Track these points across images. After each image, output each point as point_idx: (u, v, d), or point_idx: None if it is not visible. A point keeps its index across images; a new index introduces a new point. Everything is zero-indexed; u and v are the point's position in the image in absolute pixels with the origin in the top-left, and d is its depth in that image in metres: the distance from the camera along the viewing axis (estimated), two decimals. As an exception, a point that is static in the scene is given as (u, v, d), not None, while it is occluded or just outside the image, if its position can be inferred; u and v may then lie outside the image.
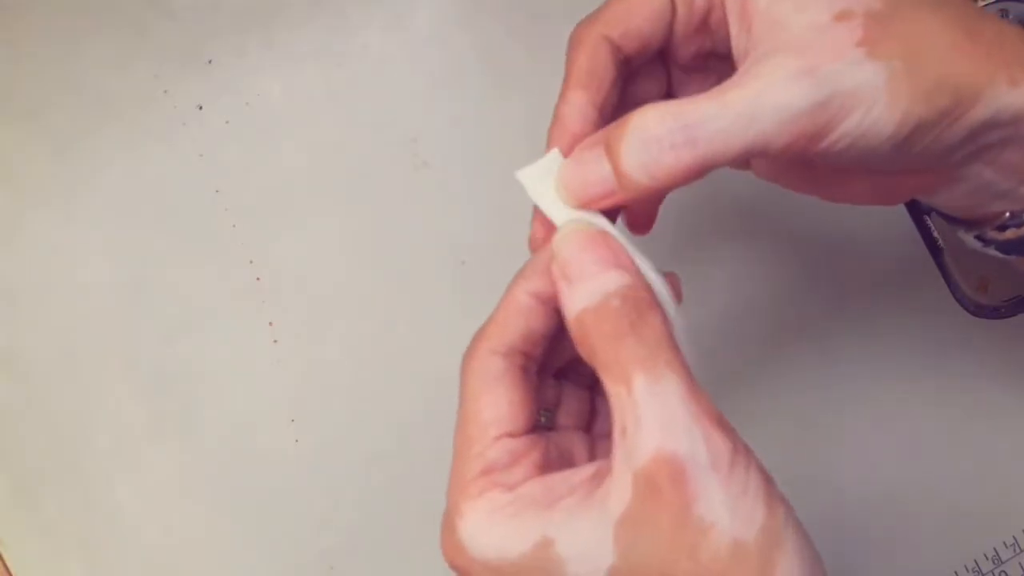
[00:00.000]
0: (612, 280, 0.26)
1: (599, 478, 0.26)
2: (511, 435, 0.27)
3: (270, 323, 0.43)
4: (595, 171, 0.27)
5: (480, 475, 0.27)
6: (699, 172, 0.26)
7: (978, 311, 0.46)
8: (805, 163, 0.31)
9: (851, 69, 0.26)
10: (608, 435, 0.30)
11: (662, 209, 0.34)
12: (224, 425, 0.43)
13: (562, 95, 0.30)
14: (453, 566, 0.28)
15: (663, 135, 0.26)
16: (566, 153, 0.29)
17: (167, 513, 0.42)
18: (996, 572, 0.46)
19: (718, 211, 0.45)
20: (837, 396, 0.45)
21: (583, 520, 0.25)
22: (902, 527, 0.45)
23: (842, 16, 0.26)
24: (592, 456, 0.30)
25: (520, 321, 0.28)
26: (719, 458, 0.24)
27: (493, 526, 0.26)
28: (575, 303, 0.26)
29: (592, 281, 0.26)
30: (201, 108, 0.43)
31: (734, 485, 0.24)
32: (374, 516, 0.43)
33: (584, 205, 0.28)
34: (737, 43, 0.29)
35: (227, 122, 0.43)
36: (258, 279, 0.43)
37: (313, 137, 0.44)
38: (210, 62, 0.43)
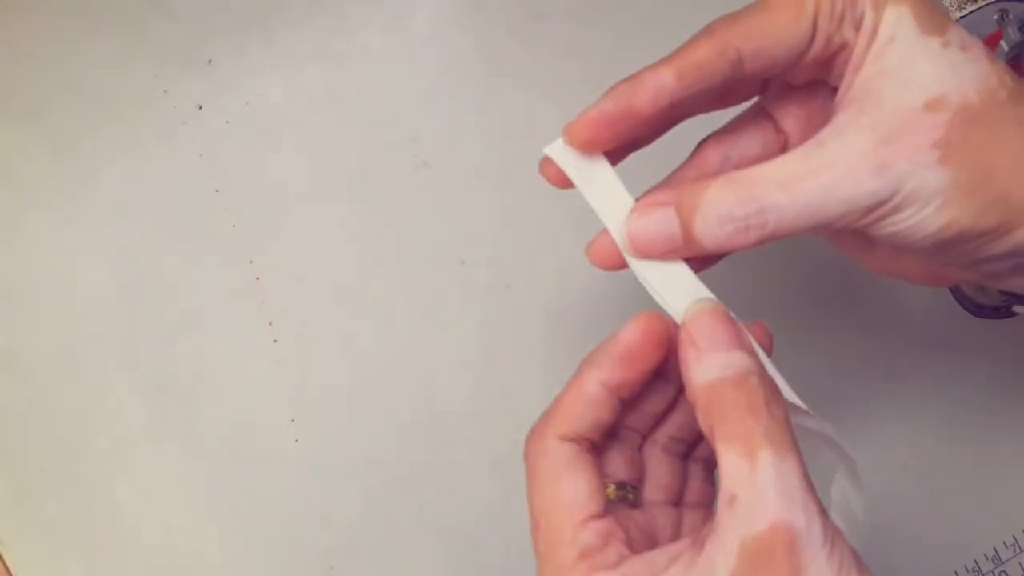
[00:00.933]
0: (746, 358, 0.27)
1: (698, 546, 0.26)
2: (595, 517, 0.28)
3: (270, 323, 0.43)
4: (664, 229, 0.29)
5: (579, 560, 0.27)
6: (760, 245, 0.29)
7: (978, 311, 0.46)
8: (855, 234, 0.31)
9: (920, 171, 0.27)
10: (697, 505, 0.31)
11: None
12: (224, 425, 0.43)
13: (655, 66, 0.29)
14: None
15: (739, 216, 0.28)
16: (601, 118, 0.29)
17: (167, 513, 0.42)
18: (996, 572, 0.46)
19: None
20: (836, 396, 0.45)
21: None
22: (902, 527, 0.45)
23: (934, 105, 0.27)
24: (677, 530, 0.31)
25: (589, 412, 0.29)
26: (826, 534, 0.25)
27: None
28: (705, 371, 0.27)
29: (724, 354, 0.27)
30: (201, 108, 0.43)
31: (834, 559, 0.25)
32: (374, 516, 0.43)
33: (645, 256, 0.30)
34: (841, 92, 0.29)
35: (227, 122, 0.43)
36: (258, 279, 0.43)
37: (313, 137, 0.44)
38: (210, 62, 0.43)
